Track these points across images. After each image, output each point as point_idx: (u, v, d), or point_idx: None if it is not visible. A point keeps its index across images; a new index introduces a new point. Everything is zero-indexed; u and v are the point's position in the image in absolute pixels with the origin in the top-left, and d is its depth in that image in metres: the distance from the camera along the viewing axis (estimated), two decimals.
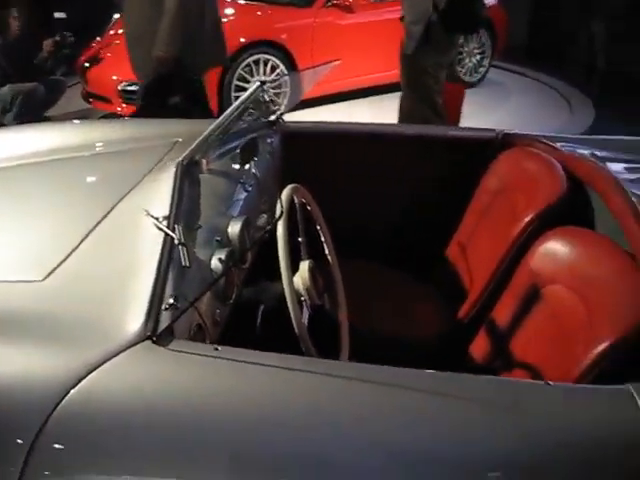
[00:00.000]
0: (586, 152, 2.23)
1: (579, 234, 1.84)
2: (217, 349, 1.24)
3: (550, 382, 1.25)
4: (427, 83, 4.23)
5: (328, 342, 1.68)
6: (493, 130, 2.59)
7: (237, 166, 2.00)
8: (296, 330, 1.42)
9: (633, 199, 1.76)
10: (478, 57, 7.84)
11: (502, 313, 1.96)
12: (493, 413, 1.17)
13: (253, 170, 2.05)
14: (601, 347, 1.46)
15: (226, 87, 5.87)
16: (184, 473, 1.13)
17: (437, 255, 2.56)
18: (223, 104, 5.75)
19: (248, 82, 5.96)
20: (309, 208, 1.79)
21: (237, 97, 5.93)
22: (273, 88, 6.08)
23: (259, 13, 6.57)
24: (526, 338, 1.84)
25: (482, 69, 7.93)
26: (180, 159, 1.78)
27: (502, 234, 2.14)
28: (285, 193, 1.61)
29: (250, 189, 1.96)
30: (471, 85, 7.79)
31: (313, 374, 1.22)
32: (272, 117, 2.53)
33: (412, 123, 4.09)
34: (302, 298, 1.54)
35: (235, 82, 5.90)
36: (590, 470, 1.13)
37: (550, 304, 1.78)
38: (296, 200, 1.69)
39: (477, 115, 6.72)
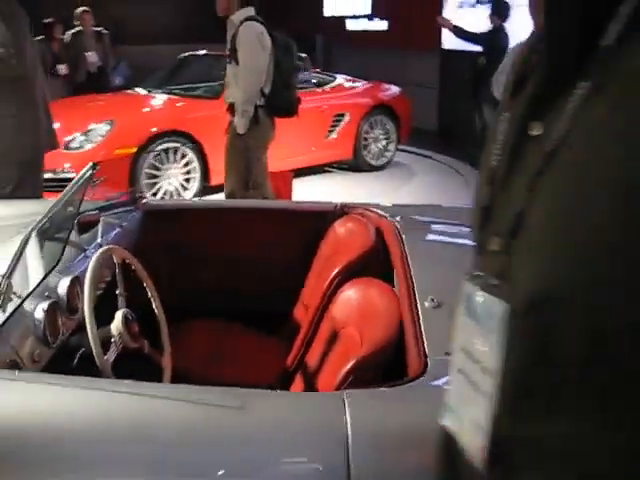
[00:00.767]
0: (399, 217, 2.62)
1: (365, 283, 2.20)
2: (15, 373, 1.53)
3: (277, 390, 1.55)
4: (251, 159, 4.64)
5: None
6: (334, 203, 2.98)
7: (84, 237, 2.32)
8: (97, 363, 1.71)
9: (405, 249, 2.15)
10: (384, 142, 8.36)
11: (312, 356, 2.28)
12: (222, 416, 1.44)
13: (99, 240, 2.37)
14: (353, 361, 1.78)
15: (139, 174, 6.20)
16: None
17: (287, 315, 2.89)
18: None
19: (159, 169, 6.33)
20: (133, 267, 2.11)
21: (148, 184, 6.29)
22: (182, 174, 6.48)
23: (178, 105, 6.98)
24: (328, 374, 2.15)
25: (388, 153, 8.42)
26: (28, 230, 2.11)
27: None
28: (97, 253, 1.93)
29: (91, 255, 2.27)
30: (378, 168, 8.32)
31: (100, 391, 1.51)
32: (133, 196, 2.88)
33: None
34: (112, 340, 1.83)
35: (145, 170, 6.24)
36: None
37: (343, 343, 2.10)
38: (115, 260, 2.01)
39: (382, 195, 7.20)
